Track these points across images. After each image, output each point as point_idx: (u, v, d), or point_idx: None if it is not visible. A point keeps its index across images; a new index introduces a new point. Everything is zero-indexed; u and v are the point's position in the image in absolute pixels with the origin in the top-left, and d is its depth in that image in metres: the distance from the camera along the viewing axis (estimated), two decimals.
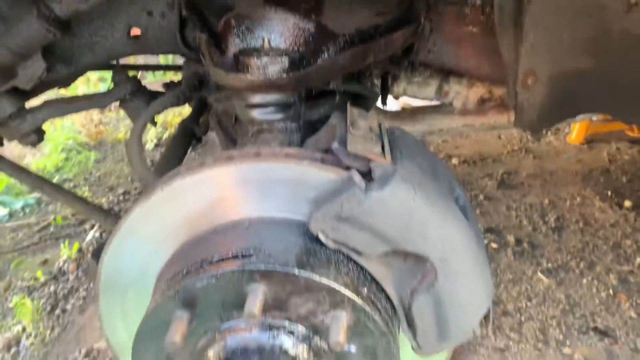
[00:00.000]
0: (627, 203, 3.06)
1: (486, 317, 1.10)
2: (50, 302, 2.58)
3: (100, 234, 3.02)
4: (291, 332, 0.95)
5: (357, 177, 0.96)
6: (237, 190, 1.03)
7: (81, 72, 1.72)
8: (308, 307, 0.94)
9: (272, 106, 1.19)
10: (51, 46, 1.50)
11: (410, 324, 1.05)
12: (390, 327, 0.99)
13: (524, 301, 2.40)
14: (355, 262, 1.01)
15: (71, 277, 2.75)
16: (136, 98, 1.72)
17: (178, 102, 1.51)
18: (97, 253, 1.23)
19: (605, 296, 2.41)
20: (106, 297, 1.19)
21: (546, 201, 3.14)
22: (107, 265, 1.13)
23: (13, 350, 2.30)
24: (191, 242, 1.05)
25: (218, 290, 0.93)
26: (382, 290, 1.03)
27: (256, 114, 1.20)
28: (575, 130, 3.80)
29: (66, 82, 1.95)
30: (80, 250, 2.91)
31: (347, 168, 0.99)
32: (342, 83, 1.40)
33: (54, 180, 3.49)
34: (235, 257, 0.95)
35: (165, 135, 4.33)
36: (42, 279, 2.74)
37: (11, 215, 3.38)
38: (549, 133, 3.98)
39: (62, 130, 4.21)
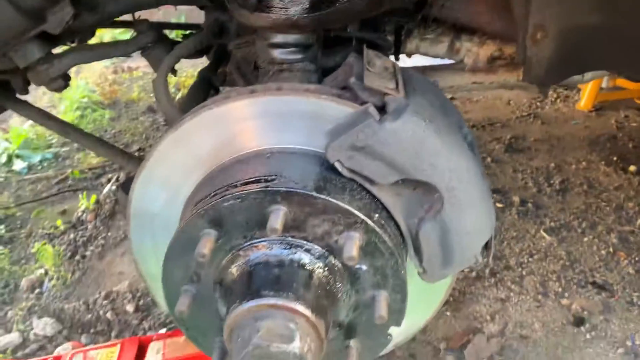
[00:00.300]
0: (632, 168, 3.10)
1: (488, 247, 1.18)
2: (70, 248, 2.70)
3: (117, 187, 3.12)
4: (308, 250, 1.04)
5: (372, 110, 1.03)
6: (260, 122, 1.11)
7: (105, 22, 1.78)
8: (324, 228, 1.02)
9: (293, 46, 1.26)
10: None
11: (417, 251, 1.13)
12: (399, 250, 1.08)
13: (525, 257, 2.48)
14: (368, 191, 1.08)
15: (89, 226, 2.86)
16: (158, 47, 1.78)
17: (201, 47, 1.58)
18: (126, 185, 1.32)
19: (605, 254, 2.48)
20: (136, 226, 1.27)
21: (552, 165, 3.19)
22: (137, 193, 1.22)
23: (37, 291, 2.43)
24: (217, 170, 1.13)
25: (243, 211, 1.02)
26: (392, 218, 1.11)
27: (277, 53, 1.27)
28: (584, 97, 3.82)
29: (89, 34, 2.02)
30: (97, 201, 3.02)
31: (363, 103, 1.06)
32: (358, 30, 1.46)
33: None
34: (258, 181, 1.03)
35: (178, 96, 4.39)
36: (62, 228, 2.85)
37: (30, 168, 3.48)
38: (558, 100, 4.01)
39: (77, 89, 4.27)
